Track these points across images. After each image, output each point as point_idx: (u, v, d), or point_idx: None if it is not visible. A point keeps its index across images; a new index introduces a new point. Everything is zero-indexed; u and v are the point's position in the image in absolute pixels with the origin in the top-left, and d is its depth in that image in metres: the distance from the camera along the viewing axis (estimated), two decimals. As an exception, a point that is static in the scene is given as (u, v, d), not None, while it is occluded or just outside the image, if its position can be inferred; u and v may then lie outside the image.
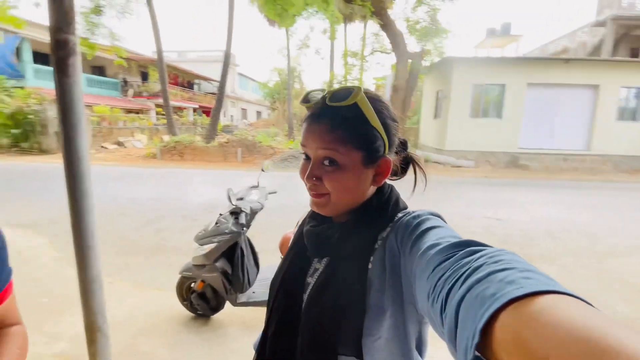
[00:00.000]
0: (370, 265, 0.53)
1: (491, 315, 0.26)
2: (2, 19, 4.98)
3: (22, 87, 14.05)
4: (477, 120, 11.45)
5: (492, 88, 11.34)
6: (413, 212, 0.54)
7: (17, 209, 5.25)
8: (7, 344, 0.64)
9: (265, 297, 2.33)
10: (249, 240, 2.26)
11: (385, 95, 16.59)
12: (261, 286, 2.32)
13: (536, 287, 0.26)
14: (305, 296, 0.58)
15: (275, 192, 2.48)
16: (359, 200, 0.56)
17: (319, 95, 0.55)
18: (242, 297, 2.22)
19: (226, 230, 2.06)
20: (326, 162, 0.53)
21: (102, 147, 14.87)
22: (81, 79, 1.47)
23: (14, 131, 12.97)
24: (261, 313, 2.45)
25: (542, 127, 11.51)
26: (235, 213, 2.10)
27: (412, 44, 12.51)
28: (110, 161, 12.07)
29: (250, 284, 2.17)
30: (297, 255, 0.64)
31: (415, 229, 0.48)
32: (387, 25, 11.72)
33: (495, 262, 0.31)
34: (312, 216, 0.64)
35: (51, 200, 5.44)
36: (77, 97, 1.46)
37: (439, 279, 0.36)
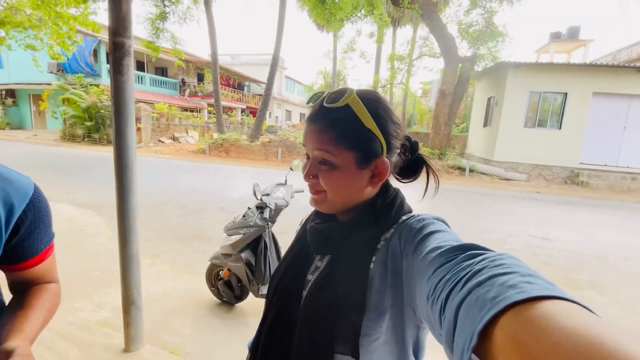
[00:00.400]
0: (371, 265, 0.53)
1: (491, 318, 0.26)
2: (83, 23, 5.68)
3: (97, 85, 15.86)
4: (532, 130, 10.60)
5: (552, 96, 10.43)
6: (418, 215, 0.54)
7: (85, 191, 5.96)
8: (39, 298, 0.71)
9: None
10: (273, 235, 2.35)
11: (431, 100, 16.02)
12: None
13: (537, 292, 0.25)
14: (305, 293, 0.58)
15: (302, 191, 2.55)
16: (356, 199, 0.57)
17: (319, 97, 0.56)
18: (264, 289, 2.32)
19: (251, 223, 2.17)
20: (321, 162, 0.55)
21: (159, 140, 16.22)
22: (133, 78, 1.65)
23: (87, 123, 14.68)
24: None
25: (608, 142, 10.33)
26: (261, 208, 2.21)
27: (464, 48, 12.00)
28: (165, 154, 13.14)
29: (269, 277, 2.26)
30: (299, 251, 0.64)
31: (419, 232, 0.48)
32: (437, 28, 11.34)
33: (497, 265, 0.31)
34: (317, 214, 0.64)
35: (112, 186, 6.09)
36: (129, 94, 1.65)
37: (439, 280, 0.36)
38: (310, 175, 0.56)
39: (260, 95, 24.15)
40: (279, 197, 2.33)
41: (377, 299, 0.50)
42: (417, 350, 0.54)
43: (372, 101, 0.54)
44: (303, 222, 0.71)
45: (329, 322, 0.52)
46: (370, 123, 0.52)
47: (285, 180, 2.53)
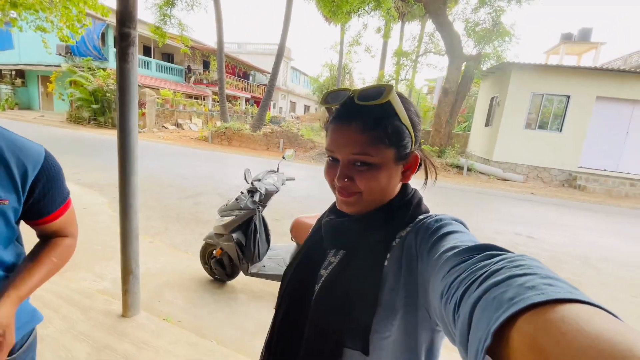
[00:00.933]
0: (386, 262, 0.52)
1: (507, 318, 0.25)
2: (92, 7, 5.79)
3: (104, 69, 15.98)
4: (533, 132, 10.64)
5: (554, 98, 10.44)
6: (435, 215, 0.53)
7: (89, 172, 6.15)
8: (48, 251, 0.77)
9: (274, 272, 2.56)
10: (263, 218, 2.51)
11: (435, 97, 16.02)
12: (271, 261, 2.57)
13: (558, 295, 0.25)
14: (317, 287, 0.58)
15: (293, 179, 2.71)
16: (389, 196, 0.56)
17: (343, 95, 0.54)
18: (253, 268, 2.49)
19: (242, 206, 2.33)
20: (358, 164, 0.53)
21: (163, 126, 16.40)
22: (137, 66, 1.80)
23: (93, 106, 14.86)
24: (269, 286, 2.71)
25: (609, 146, 10.35)
26: (252, 192, 2.37)
27: (470, 47, 11.98)
28: (169, 140, 13.32)
29: (259, 257, 2.43)
30: (313, 246, 0.64)
31: (436, 232, 0.47)
32: (443, 25, 11.32)
33: (516, 266, 0.30)
34: (332, 210, 0.64)
35: (115, 168, 6.29)
36: (133, 80, 1.80)
37: (455, 279, 0.35)
38: (345, 177, 0.54)
39: (265, 85, 24.22)
40: (270, 183, 2.49)
41: (390, 297, 0.50)
42: (431, 355, 0.53)
43: (401, 97, 0.54)
44: (319, 217, 0.71)
45: (339, 317, 0.52)
46: (405, 119, 0.52)
47: (278, 168, 2.69)
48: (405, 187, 0.59)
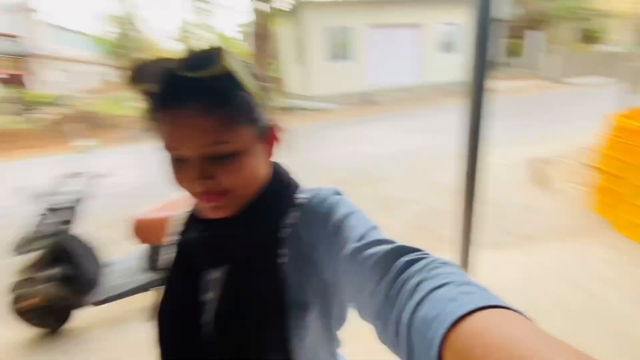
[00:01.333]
0: (281, 260, 0.46)
1: (440, 340, 0.26)
2: None
3: None
4: (333, 63, 12.29)
5: (342, 31, 12.15)
6: (315, 193, 0.49)
7: None
8: None
9: (128, 287, 2.18)
10: (79, 236, 2.01)
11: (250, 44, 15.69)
12: (122, 277, 2.18)
13: (476, 304, 0.27)
14: (205, 317, 0.48)
15: (104, 174, 2.21)
16: (261, 183, 0.48)
17: (159, 68, 0.39)
18: (99, 295, 2.06)
19: (43, 233, 1.79)
20: (215, 157, 0.42)
21: None
22: None
23: None
24: (126, 304, 2.32)
25: (383, 65, 13.19)
26: (51, 211, 1.83)
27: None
28: None
29: (96, 281, 2.01)
30: (179, 274, 0.52)
31: (328, 219, 0.45)
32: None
33: (433, 277, 0.31)
34: (191, 223, 0.52)
35: None
36: None
37: (384, 300, 0.34)
38: (205, 178, 0.42)
39: (17, 56, 17.40)
40: (71, 191, 1.97)
41: (296, 294, 0.46)
42: (339, 322, 0.53)
43: (239, 58, 0.42)
44: (171, 237, 0.58)
45: (250, 339, 0.45)
46: (250, 84, 0.42)
47: (77, 169, 2.12)
48: (272, 166, 0.51)
